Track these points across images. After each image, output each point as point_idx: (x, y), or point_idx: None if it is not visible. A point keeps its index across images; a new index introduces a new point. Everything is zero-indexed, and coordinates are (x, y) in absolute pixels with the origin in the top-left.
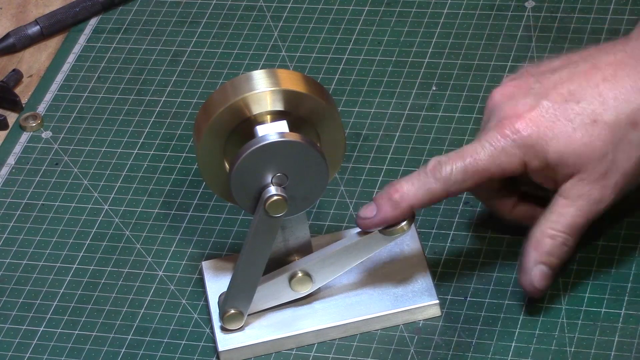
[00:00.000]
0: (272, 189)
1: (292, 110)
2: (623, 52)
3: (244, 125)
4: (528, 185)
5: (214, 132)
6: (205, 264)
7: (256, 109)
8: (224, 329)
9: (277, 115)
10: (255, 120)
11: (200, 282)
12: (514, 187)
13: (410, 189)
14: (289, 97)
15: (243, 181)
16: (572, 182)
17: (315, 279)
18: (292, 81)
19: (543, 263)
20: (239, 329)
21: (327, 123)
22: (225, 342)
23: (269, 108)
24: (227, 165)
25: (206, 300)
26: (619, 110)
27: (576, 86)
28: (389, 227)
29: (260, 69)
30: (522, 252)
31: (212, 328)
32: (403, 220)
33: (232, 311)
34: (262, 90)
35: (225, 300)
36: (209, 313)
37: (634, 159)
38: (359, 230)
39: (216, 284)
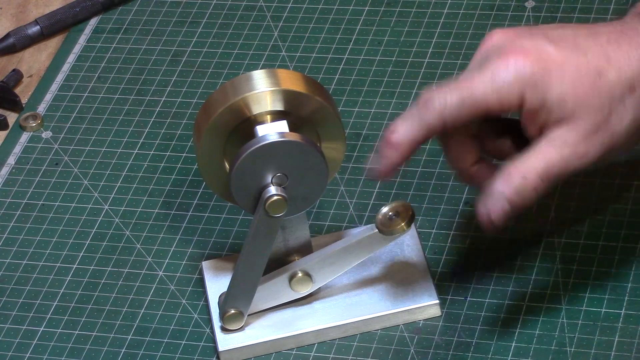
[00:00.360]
0: (272, 189)
1: (292, 110)
2: (621, 26)
3: (244, 125)
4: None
5: (214, 132)
6: (205, 264)
7: (256, 109)
8: (224, 329)
9: (277, 115)
10: (255, 120)
11: (200, 282)
12: (478, 144)
13: (406, 128)
14: (289, 97)
15: (243, 181)
16: (561, 129)
17: (315, 279)
18: (292, 81)
19: (507, 200)
20: (239, 329)
21: (327, 123)
22: (225, 342)
23: (269, 108)
24: (227, 165)
25: (206, 300)
26: (622, 71)
27: (582, 41)
28: (389, 227)
29: (260, 69)
30: (490, 182)
31: (212, 328)
32: (405, 208)
33: (232, 311)
34: (262, 90)
35: (225, 301)
36: (209, 313)
37: (625, 122)
38: (358, 229)
39: (216, 284)
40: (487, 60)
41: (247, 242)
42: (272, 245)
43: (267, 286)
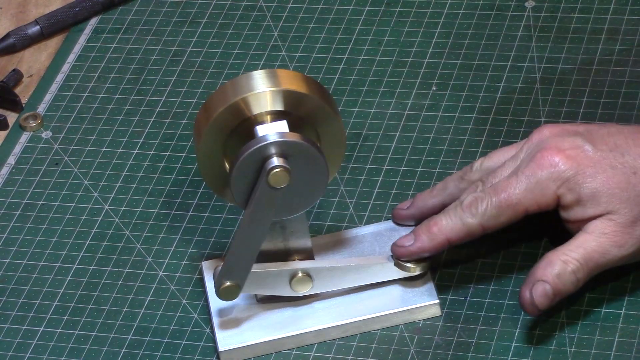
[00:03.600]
0: (275, 160)
1: (292, 110)
2: None
3: (244, 125)
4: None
5: (214, 132)
6: (205, 264)
7: (256, 109)
8: (221, 326)
9: (277, 115)
10: (255, 120)
11: (200, 282)
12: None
13: (447, 223)
14: (289, 97)
15: (244, 181)
16: (599, 220)
17: (315, 284)
18: (292, 81)
19: (548, 282)
20: (236, 327)
21: (327, 123)
22: (225, 342)
23: (269, 108)
24: (227, 165)
25: (206, 300)
26: None
27: (622, 141)
28: (407, 262)
29: (260, 69)
30: (531, 270)
31: (212, 328)
32: (438, 252)
33: (228, 283)
34: (262, 91)
35: (221, 272)
36: (209, 313)
37: None
38: (376, 256)
39: None
40: (527, 159)
41: (246, 213)
42: (271, 219)
43: (269, 274)
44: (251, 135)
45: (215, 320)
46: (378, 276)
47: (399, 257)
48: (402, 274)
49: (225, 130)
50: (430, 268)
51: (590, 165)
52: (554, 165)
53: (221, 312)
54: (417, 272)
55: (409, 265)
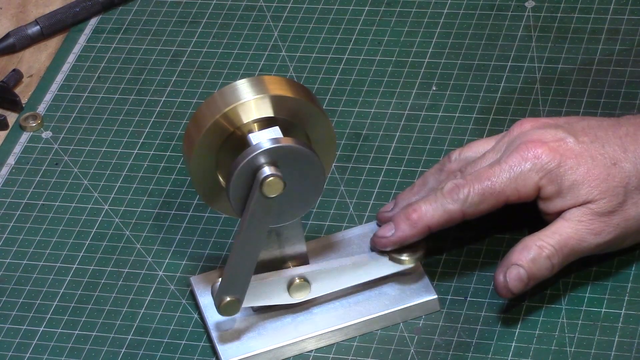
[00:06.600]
0: (267, 169)
1: (280, 116)
2: None
3: (234, 136)
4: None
5: (205, 147)
6: (194, 279)
7: (246, 118)
8: (221, 339)
9: (266, 122)
10: (246, 130)
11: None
12: None
13: (427, 209)
14: (276, 102)
15: (241, 191)
16: (577, 208)
17: (313, 288)
18: (277, 86)
19: (523, 267)
20: (237, 340)
21: (315, 123)
22: (227, 354)
23: (258, 116)
24: (220, 177)
25: (201, 315)
26: (637, 162)
27: (602, 133)
28: (400, 255)
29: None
30: (507, 253)
31: (210, 342)
32: (418, 240)
33: (229, 299)
34: (249, 99)
35: (220, 288)
36: (205, 327)
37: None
38: (370, 252)
39: (209, 298)
40: (509, 150)
41: (242, 225)
42: (268, 229)
43: (267, 284)
44: (243, 144)
45: (215, 334)
46: (374, 273)
47: (381, 248)
48: (398, 268)
49: (216, 143)
50: (424, 259)
51: (572, 157)
52: (537, 156)
53: (219, 326)
54: (412, 264)
55: (403, 257)
